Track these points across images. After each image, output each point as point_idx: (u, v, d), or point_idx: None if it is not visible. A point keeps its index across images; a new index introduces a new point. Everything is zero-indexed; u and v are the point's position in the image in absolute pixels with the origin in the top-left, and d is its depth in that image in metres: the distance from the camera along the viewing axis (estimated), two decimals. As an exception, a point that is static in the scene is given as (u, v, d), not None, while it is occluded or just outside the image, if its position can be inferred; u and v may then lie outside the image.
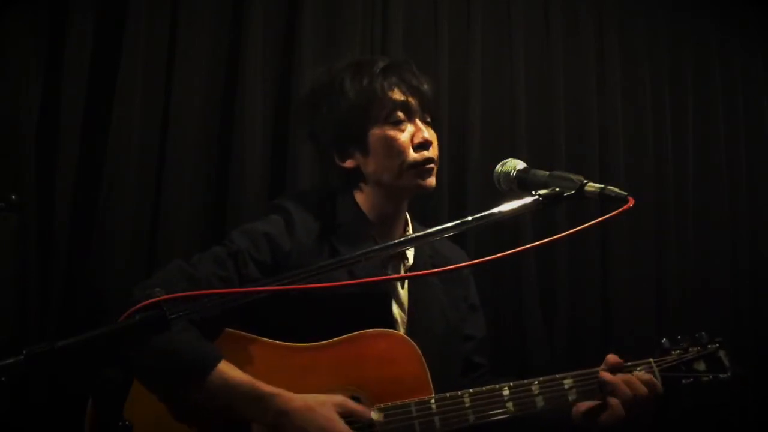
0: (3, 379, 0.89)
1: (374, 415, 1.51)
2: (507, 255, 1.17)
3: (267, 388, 1.47)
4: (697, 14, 3.31)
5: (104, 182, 2.13)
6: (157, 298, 1.00)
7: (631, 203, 1.24)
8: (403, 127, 1.73)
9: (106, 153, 2.14)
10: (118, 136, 2.15)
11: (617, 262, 2.92)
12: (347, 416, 1.49)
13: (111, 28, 2.19)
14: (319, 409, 1.47)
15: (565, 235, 1.23)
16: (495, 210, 1.26)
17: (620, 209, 1.24)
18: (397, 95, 1.74)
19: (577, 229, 1.23)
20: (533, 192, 1.31)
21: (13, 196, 1.91)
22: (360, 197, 1.78)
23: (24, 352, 0.92)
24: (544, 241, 1.22)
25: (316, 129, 1.83)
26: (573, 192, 1.31)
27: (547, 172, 1.37)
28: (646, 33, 3.17)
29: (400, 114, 1.73)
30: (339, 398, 1.51)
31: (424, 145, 1.73)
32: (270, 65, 2.41)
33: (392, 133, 1.72)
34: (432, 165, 1.74)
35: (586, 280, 2.86)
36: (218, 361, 1.47)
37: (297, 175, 2.35)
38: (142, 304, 1.00)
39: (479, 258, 1.19)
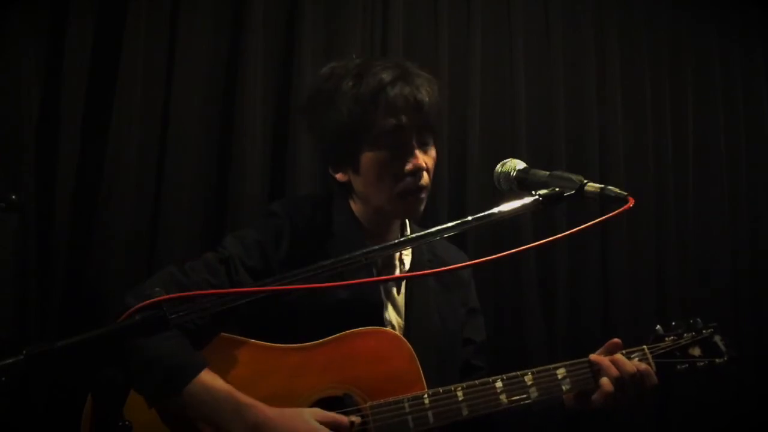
0: (3, 379, 0.89)
1: (353, 419, 1.51)
2: (507, 255, 1.17)
3: (245, 399, 1.47)
4: (697, 14, 3.31)
5: (104, 182, 2.13)
6: (157, 299, 1.00)
7: (631, 203, 1.23)
8: (396, 152, 1.65)
9: (106, 153, 2.14)
10: (118, 136, 2.15)
11: (617, 262, 2.92)
12: (325, 423, 1.49)
13: (111, 27, 2.19)
14: (297, 418, 1.47)
15: (565, 235, 1.23)
16: (495, 210, 1.26)
17: (620, 209, 1.24)
18: (394, 119, 1.64)
19: (577, 229, 1.22)
20: (533, 192, 1.30)
21: (13, 196, 1.90)
22: (354, 206, 1.76)
23: (24, 352, 0.92)
24: (544, 241, 1.22)
25: (313, 131, 1.81)
26: (573, 192, 1.30)
27: (547, 172, 1.37)
28: (646, 33, 3.17)
29: (394, 138, 1.65)
30: (316, 410, 1.50)
31: (416, 172, 1.65)
32: (270, 65, 2.41)
33: (384, 158, 1.65)
34: (422, 195, 1.68)
35: (586, 280, 2.86)
36: (199, 371, 1.47)
37: (297, 175, 2.35)
38: (142, 304, 1.00)
39: (479, 258, 1.19)
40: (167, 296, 1.01)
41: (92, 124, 2.16)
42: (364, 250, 1.20)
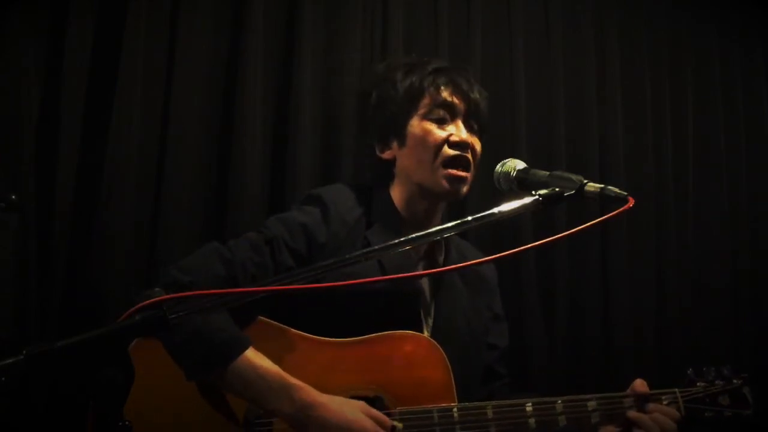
0: (3, 379, 0.89)
1: (397, 424, 1.51)
2: (507, 255, 1.17)
3: (293, 380, 1.48)
4: (697, 14, 3.31)
5: (104, 182, 2.13)
6: (158, 298, 1.00)
7: (631, 203, 1.24)
8: (444, 126, 1.74)
9: (106, 153, 2.14)
10: (118, 136, 2.15)
11: (617, 262, 2.92)
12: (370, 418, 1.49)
13: (111, 27, 2.19)
14: (345, 406, 1.47)
15: (565, 235, 1.23)
16: (495, 210, 1.26)
17: (620, 209, 1.24)
18: (444, 94, 1.75)
19: (577, 229, 1.22)
20: (533, 192, 1.31)
21: (13, 196, 1.91)
22: (395, 194, 1.79)
23: (24, 352, 0.92)
24: (544, 241, 1.22)
25: (364, 120, 1.85)
26: (573, 192, 1.31)
27: (547, 172, 1.38)
28: (646, 33, 3.17)
29: (443, 112, 1.74)
30: (362, 403, 1.51)
31: (461, 145, 1.72)
32: (270, 65, 2.41)
33: (430, 127, 1.74)
34: (463, 172, 1.73)
35: (586, 280, 2.86)
36: (246, 347, 1.48)
37: (297, 175, 2.35)
38: (142, 304, 1.00)
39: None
40: (167, 296, 1.01)
41: (92, 124, 2.15)
42: (364, 250, 1.21)
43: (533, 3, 2.93)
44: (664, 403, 1.65)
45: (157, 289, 1.04)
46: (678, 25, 3.26)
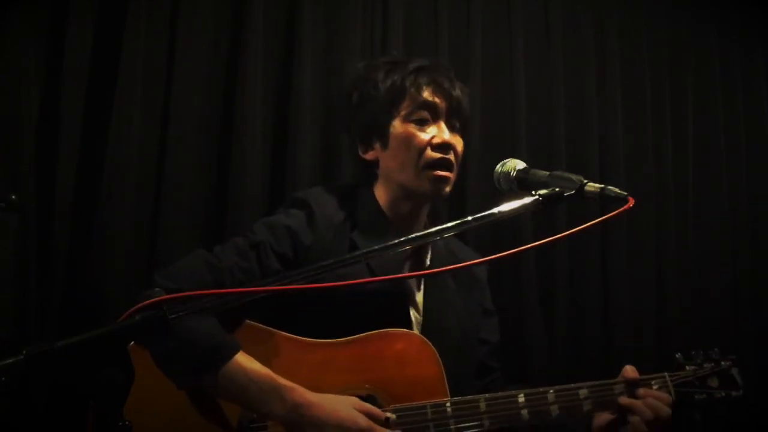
0: (3, 379, 0.89)
1: (390, 415, 1.51)
2: (507, 255, 1.17)
3: (284, 381, 1.47)
4: (697, 14, 3.31)
5: (104, 182, 2.13)
6: (158, 299, 1.00)
7: (631, 203, 1.24)
8: (425, 127, 1.73)
9: (106, 153, 2.14)
10: (118, 136, 2.15)
11: (617, 262, 2.92)
12: (362, 413, 1.49)
13: (111, 27, 2.19)
14: (338, 403, 1.47)
15: (565, 235, 1.23)
16: (495, 210, 1.26)
17: (620, 209, 1.24)
18: (426, 95, 1.74)
19: (577, 229, 1.23)
20: (533, 192, 1.31)
21: (13, 196, 1.91)
22: (379, 194, 1.79)
23: (24, 352, 0.92)
24: (544, 241, 1.22)
25: (347, 119, 1.85)
26: (573, 192, 1.31)
27: (547, 172, 1.38)
28: (646, 33, 3.17)
29: (425, 113, 1.74)
30: (354, 398, 1.51)
31: (443, 147, 1.71)
32: (270, 65, 2.41)
33: (413, 130, 1.73)
34: (446, 173, 1.72)
35: (586, 280, 2.86)
36: (236, 351, 1.47)
37: (297, 175, 2.35)
38: (142, 304, 1.00)
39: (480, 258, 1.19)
40: (167, 296, 1.01)
41: (92, 124, 2.15)
42: (364, 251, 1.21)
43: (533, 3, 2.93)
44: (654, 387, 1.66)
45: (157, 289, 1.04)
46: (678, 25, 3.26)
